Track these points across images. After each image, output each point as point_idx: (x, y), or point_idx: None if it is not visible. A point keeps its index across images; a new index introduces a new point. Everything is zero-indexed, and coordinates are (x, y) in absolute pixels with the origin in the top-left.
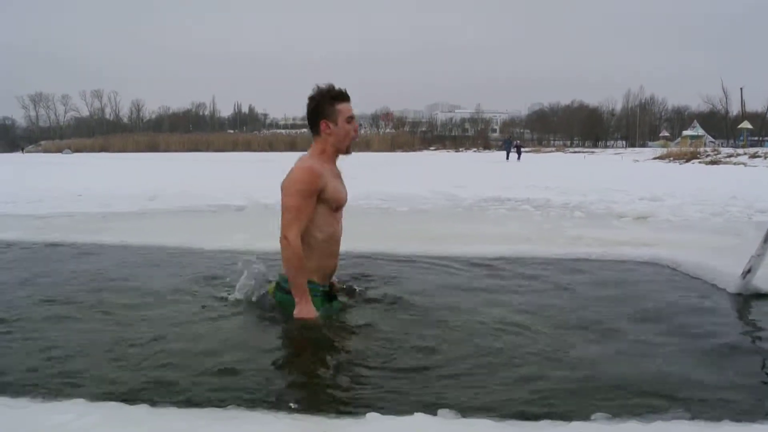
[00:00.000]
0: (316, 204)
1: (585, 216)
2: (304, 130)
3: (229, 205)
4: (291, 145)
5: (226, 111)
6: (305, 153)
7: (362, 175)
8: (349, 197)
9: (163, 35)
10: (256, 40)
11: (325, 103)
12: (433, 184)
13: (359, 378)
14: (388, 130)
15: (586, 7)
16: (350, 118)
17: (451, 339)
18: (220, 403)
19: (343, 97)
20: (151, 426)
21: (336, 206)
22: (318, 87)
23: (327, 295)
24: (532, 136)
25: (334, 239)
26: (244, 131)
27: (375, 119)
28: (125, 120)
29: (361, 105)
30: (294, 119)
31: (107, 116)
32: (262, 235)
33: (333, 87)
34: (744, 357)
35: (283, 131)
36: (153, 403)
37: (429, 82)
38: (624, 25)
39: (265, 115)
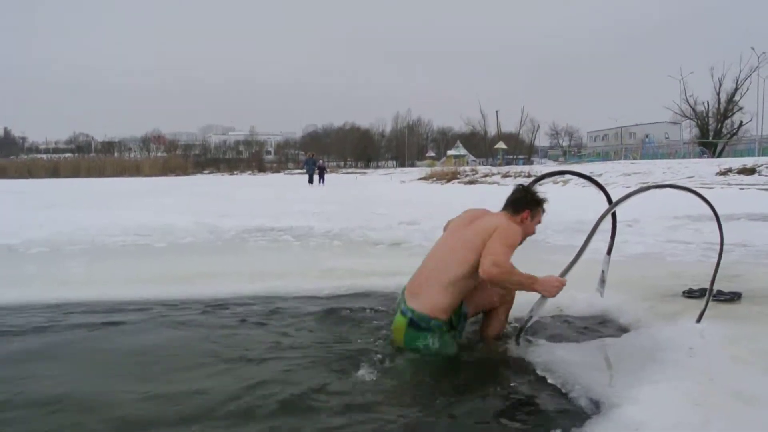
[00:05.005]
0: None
1: (343, 245)
2: (68, 154)
3: None
4: (53, 172)
5: None
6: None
7: (128, 203)
8: (105, 232)
9: None
10: (11, 52)
11: (537, 203)
12: (200, 215)
13: None
14: (159, 154)
15: (342, 28)
16: (538, 223)
17: None
18: None
19: (544, 208)
20: None
21: None
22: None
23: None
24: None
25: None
26: None
27: (146, 142)
28: None
29: (129, 127)
30: (56, 143)
31: None
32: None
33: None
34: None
35: (44, 156)
36: None
37: (202, 103)
38: (393, 50)
39: (24, 139)
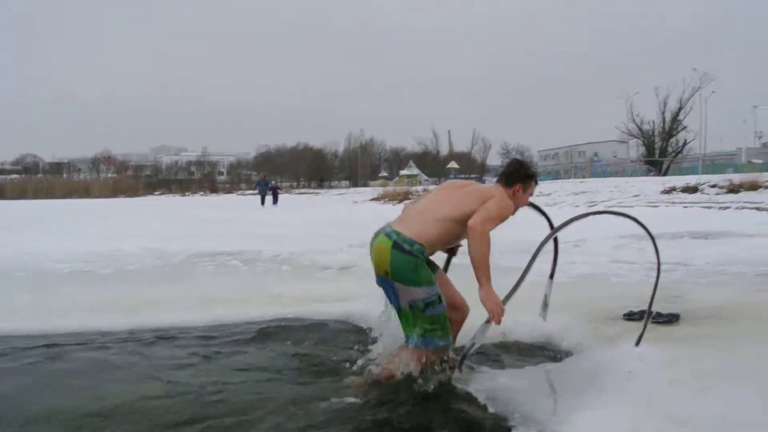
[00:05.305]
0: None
1: (291, 270)
2: (14, 176)
3: None
4: None
5: None
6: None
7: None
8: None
9: None
10: None
11: (529, 176)
12: (148, 239)
13: None
14: (110, 175)
15: (297, 49)
16: (530, 196)
17: None
18: None
19: (536, 181)
20: None
21: None
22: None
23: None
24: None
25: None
26: None
27: (95, 163)
28: None
29: (79, 148)
30: (2, 164)
31: None
32: None
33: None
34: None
35: None
36: None
37: (154, 124)
38: (345, 70)
39: None
